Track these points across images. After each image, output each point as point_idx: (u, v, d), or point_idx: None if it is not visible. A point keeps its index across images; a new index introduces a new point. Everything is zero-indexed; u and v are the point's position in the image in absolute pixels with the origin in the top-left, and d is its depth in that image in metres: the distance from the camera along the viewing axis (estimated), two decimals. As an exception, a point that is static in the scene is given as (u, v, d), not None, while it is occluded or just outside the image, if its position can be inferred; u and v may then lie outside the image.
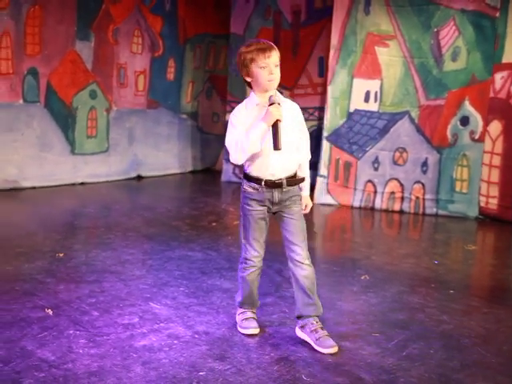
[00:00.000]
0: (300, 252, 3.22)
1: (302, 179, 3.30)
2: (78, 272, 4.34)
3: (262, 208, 3.25)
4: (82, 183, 7.95)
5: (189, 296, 3.93)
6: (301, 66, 8.28)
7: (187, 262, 4.69)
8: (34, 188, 7.43)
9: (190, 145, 9.40)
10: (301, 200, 3.32)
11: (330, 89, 7.31)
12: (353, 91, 7.21)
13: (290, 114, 3.23)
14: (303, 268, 3.22)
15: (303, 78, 8.29)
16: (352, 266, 4.78)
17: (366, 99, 7.17)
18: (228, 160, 8.53)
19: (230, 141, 3.14)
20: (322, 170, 7.38)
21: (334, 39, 7.28)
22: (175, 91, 9.09)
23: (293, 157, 3.22)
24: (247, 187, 3.24)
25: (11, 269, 4.36)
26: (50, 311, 3.55)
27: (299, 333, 3.32)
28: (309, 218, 6.85)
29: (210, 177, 9.12)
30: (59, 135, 7.72)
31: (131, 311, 3.62)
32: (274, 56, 3.11)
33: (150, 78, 8.65)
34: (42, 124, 7.53)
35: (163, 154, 9.03)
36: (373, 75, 7.12)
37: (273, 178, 3.18)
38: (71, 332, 3.28)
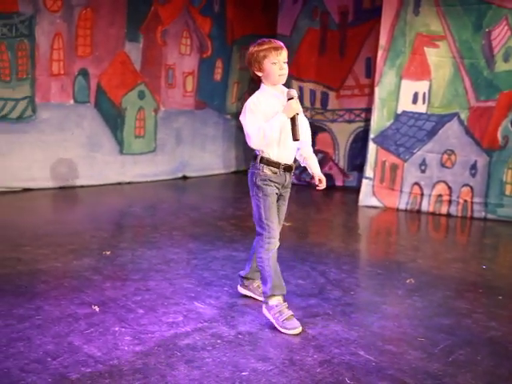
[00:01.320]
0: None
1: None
2: (124, 270, 4.41)
3: (277, 189, 3.57)
4: (129, 183, 8.06)
5: (232, 296, 3.94)
6: (348, 66, 8.23)
7: (231, 262, 4.71)
8: (82, 187, 7.57)
9: (233, 145, 9.43)
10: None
11: (377, 90, 7.24)
12: (401, 92, 7.11)
13: None
14: None
15: (350, 79, 8.22)
16: (397, 269, 4.72)
17: (414, 101, 7.07)
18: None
19: (251, 127, 3.43)
20: (368, 171, 7.30)
21: (383, 40, 7.20)
22: (221, 92, 9.14)
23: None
24: (267, 171, 3.52)
25: (60, 265, 4.45)
26: (96, 308, 3.62)
27: (242, 290, 3.95)
28: (353, 219, 6.82)
29: (255, 177, 9.12)
30: (108, 135, 7.85)
31: (176, 310, 3.66)
32: (284, 54, 3.48)
33: (198, 79, 8.71)
34: (92, 124, 7.67)
35: (208, 155, 9.09)
36: (421, 76, 7.01)
37: (288, 163, 3.56)
38: (117, 329, 3.33)
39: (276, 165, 3.52)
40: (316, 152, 8.41)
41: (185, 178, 8.73)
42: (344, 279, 4.41)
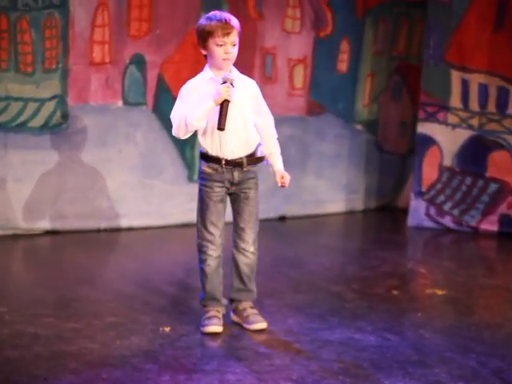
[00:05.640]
0: (248, 239, 4.83)
1: (262, 158, 4.81)
2: (190, 356, 4.44)
3: (220, 190, 4.71)
4: (202, 224, 8.14)
5: (354, 403, 3.90)
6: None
7: (353, 348, 4.67)
8: (131, 229, 7.71)
9: (363, 170, 9.28)
10: (257, 184, 4.81)
11: None
12: None
13: (246, 90, 4.74)
14: (246, 256, 4.85)
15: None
16: None
17: None
18: (419, 194, 8.39)
19: (175, 113, 4.61)
20: None
21: None
22: (348, 89, 8.97)
23: (251, 135, 4.71)
24: (206, 168, 4.68)
25: (96, 347, 4.53)
26: (147, 413, 3.65)
27: (232, 317, 4.94)
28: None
29: (389, 219, 9.04)
30: (172, 153, 7.94)
31: (266, 421, 3.64)
32: (233, 35, 4.53)
33: (312, 70, 8.69)
34: (149, 137, 7.80)
35: (325, 184, 8.96)
36: None
37: (233, 157, 4.63)
38: None
39: (216, 160, 4.63)
40: (487, 180, 8.37)
41: (283, 219, 8.72)
42: (532, 383, 4.28)
